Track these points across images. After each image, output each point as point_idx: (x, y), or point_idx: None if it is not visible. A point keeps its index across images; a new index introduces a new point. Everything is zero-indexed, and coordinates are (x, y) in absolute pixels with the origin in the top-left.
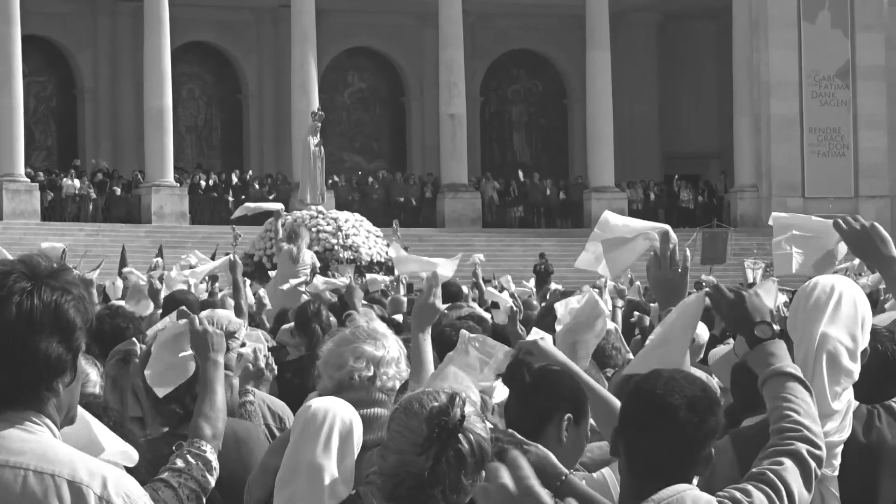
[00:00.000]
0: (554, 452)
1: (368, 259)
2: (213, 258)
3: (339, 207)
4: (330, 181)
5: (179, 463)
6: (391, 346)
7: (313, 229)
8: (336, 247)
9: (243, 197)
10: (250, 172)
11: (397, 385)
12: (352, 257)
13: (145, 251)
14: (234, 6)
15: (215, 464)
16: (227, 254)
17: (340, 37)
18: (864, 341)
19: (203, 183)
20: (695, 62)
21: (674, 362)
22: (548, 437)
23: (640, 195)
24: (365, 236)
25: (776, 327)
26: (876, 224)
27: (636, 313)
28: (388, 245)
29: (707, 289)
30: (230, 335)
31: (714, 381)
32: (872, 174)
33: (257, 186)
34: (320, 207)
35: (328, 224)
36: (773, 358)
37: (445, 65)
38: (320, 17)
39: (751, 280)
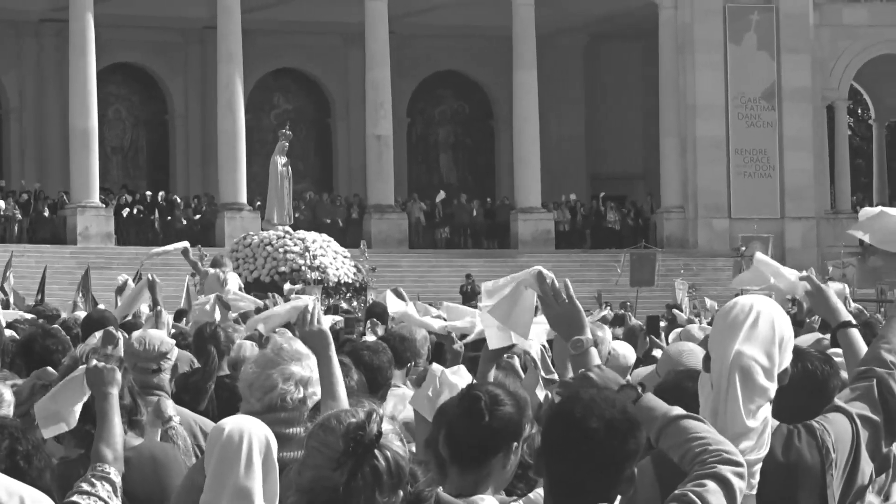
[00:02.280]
0: (496, 478)
1: (336, 280)
2: (136, 279)
3: (265, 227)
4: (257, 202)
5: (86, 486)
6: (314, 366)
7: (281, 249)
8: (303, 268)
9: (169, 218)
10: (177, 194)
11: None
12: (319, 278)
13: (70, 272)
14: (160, 27)
15: (119, 484)
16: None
17: (267, 57)
18: (782, 361)
19: (129, 204)
20: (621, 84)
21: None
22: (494, 465)
23: (566, 216)
24: (332, 257)
25: (638, 386)
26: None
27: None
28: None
29: (557, 391)
30: (162, 356)
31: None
32: (798, 196)
33: (184, 209)
34: (287, 228)
35: (295, 245)
36: (654, 412)
37: (372, 85)
38: (246, 37)
39: (679, 300)
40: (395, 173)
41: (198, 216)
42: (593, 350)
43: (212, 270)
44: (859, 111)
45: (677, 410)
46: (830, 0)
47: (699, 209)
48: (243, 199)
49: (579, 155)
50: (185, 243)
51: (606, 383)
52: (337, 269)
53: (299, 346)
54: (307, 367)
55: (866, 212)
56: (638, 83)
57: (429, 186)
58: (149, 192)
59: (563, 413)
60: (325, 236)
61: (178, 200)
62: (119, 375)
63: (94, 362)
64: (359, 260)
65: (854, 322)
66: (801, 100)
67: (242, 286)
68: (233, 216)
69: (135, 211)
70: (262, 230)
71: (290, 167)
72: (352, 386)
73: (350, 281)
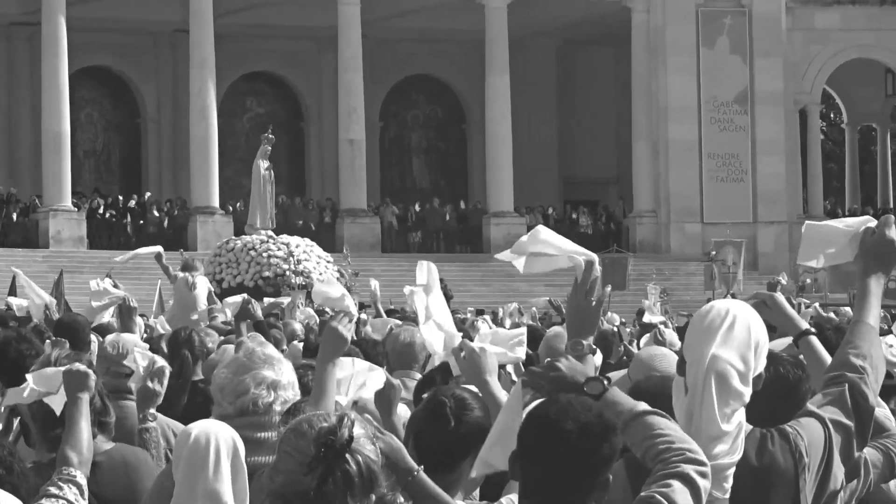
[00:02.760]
0: (466, 482)
1: None
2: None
3: (237, 232)
4: (230, 206)
5: (53, 490)
6: (287, 371)
7: (264, 254)
8: (287, 272)
9: (141, 222)
10: (148, 195)
11: None
12: (303, 283)
13: (43, 276)
14: (132, 31)
15: (85, 488)
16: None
17: (239, 61)
18: (758, 366)
19: (101, 208)
20: (594, 88)
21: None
22: (462, 470)
23: (538, 220)
24: (316, 261)
25: (604, 379)
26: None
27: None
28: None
29: (523, 377)
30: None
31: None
32: (771, 200)
33: (156, 213)
34: (270, 232)
35: (279, 249)
36: (619, 406)
37: (345, 89)
38: (219, 41)
39: (651, 304)
40: (367, 177)
41: (170, 220)
42: (591, 358)
43: (181, 275)
44: (832, 115)
45: (642, 406)
46: (803, 4)
47: (671, 214)
48: (216, 203)
49: (552, 159)
50: (159, 248)
51: (574, 374)
52: (320, 274)
53: (272, 350)
54: (279, 371)
55: (807, 239)
56: (611, 87)
57: (401, 191)
58: (121, 196)
59: (539, 416)
60: (307, 240)
61: (151, 204)
62: (92, 381)
63: (77, 365)
64: (342, 264)
65: (813, 330)
66: (773, 104)
67: (212, 290)
68: (205, 220)
69: (107, 215)
70: (245, 234)
71: (272, 171)
72: None
73: None
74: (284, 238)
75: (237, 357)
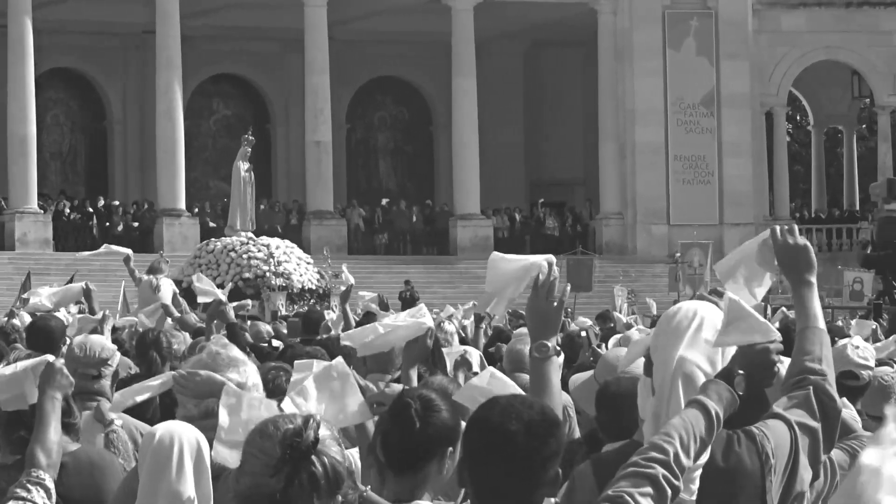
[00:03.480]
0: (433, 482)
1: (300, 286)
2: (69, 282)
3: (203, 234)
4: (196, 208)
5: (21, 492)
6: (251, 373)
7: (244, 255)
8: (268, 274)
9: (107, 224)
10: (116, 200)
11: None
12: (283, 284)
13: (9, 278)
14: (98, 32)
15: (53, 490)
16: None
17: (206, 63)
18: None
19: (67, 210)
20: (560, 90)
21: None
22: (429, 471)
23: (505, 222)
24: (296, 263)
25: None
26: (809, 246)
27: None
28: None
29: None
30: (103, 362)
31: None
32: (737, 202)
33: (122, 215)
34: (250, 234)
35: (259, 251)
36: (714, 396)
37: (311, 91)
38: (185, 43)
39: (618, 306)
40: (334, 179)
41: (136, 222)
42: (556, 360)
43: (145, 277)
44: (798, 117)
45: (710, 403)
46: (769, 6)
47: (638, 215)
48: (182, 205)
49: (519, 161)
50: (128, 251)
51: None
52: (301, 276)
53: (235, 352)
54: (243, 373)
55: (722, 272)
56: (577, 89)
57: (368, 192)
58: (88, 199)
59: (481, 419)
60: (287, 242)
61: (117, 206)
62: (68, 380)
63: (52, 359)
64: (322, 266)
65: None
66: (739, 106)
67: (177, 292)
68: (171, 222)
69: (73, 216)
70: (225, 236)
71: (252, 172)
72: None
73: (314, 287)
74: (265, 240)
75: (201, 359)
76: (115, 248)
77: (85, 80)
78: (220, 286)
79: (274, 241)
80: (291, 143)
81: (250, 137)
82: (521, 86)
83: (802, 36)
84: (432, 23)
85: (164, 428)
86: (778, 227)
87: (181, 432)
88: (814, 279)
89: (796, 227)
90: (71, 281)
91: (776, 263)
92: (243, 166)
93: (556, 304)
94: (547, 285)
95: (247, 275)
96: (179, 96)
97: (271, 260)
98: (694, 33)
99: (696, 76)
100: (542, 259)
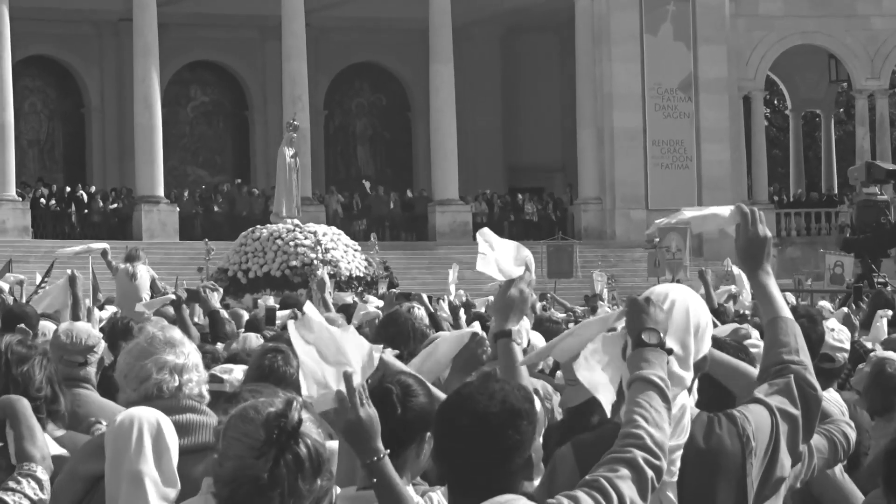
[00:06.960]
0: (411, 466)
1: (347, 273)
2: (47, 273)
3: (183, 222)
4: (174, 195)
5: (11, 483)
6: (190, 353)
7: (291, 243)
8: (315, 261)
9: (86, 211)
10: (94, 187)
11: (203, 390)
12: (331, 272)
13: None
14: (75, 20)
15: (47, 483)
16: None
17: (183, 50)
18: (699, 349)
19: (45, 197)
20: (538, 75)
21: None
22: (408, 455)
23: (483, 208)
24: (343, 250)
25: (665, 339)
26: (769, 236)
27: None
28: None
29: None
30: (89, 349)
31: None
32: (715, 186)
33: (101, 202)
34: (296, 220)
35: (306, 238)
36: (646, 364)
37: (289, 78)
38: (162, 30)
39: (598, 291)
40: (312, 166)
41: (115, 208)
42: (515, 346)
43: (122, 266)
44: (776, 101)
45: (656, 377)
46: None
47: (616, 200)
48: (160, 192)
49: (497, 147)
50: (106, 245)
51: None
52: (349, 263)
53: (174, 333)
54: (181, 354)
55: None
56: (555, 75)
57: (346, 179)
58: (67, 186)
59: (441, 410)
60: (334, 229)
61: (95, 193)
62: (23, 406)
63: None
64: (369, 253)
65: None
66: (717, 90)
67: (156, 277)
68: (150, 209)
69: (51, 204)
70: (271, 223)
71: (297, 159)
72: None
73: (361, 275)
74: (311, 226)
75: (138, 342)
76: (94, 245)
77: (62, 67)
78: (268, 274)
79: (321, 228)
80: (269, 130)
81: (295, 123)
82: (499, 71)
83: (780, 20)
84: (409, 9)
85: (124, 414)
86: (750, 214)
87: (140, 414)
88: (769, 265)
89: (763, 217)
90: (50, 269)
91: (736, 240)
92: (288, 152)
93: (519, 293)
94: (529, 278)
95: (294, 262)
96: (157, 83)
97: (318, 247)
98: (671, 18)
99: (673, 61)
100: (523, 253)
